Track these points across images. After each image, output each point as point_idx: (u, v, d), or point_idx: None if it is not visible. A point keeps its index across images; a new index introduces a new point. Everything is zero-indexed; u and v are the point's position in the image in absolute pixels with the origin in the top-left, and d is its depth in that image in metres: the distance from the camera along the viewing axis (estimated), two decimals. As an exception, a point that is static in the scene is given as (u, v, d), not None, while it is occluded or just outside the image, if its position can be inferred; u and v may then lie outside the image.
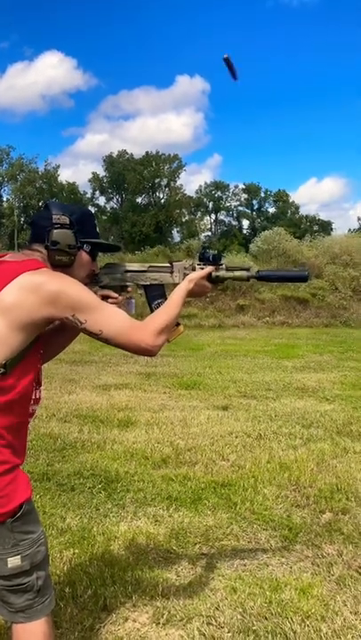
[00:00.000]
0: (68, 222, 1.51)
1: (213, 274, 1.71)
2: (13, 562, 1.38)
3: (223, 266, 1.74)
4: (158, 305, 1.67)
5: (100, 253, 1.67)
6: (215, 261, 1.73)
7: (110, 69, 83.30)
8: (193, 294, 1.67)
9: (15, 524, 1.39)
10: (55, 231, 1.49)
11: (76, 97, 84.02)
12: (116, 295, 1.67)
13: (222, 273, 1.73)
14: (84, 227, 1.57)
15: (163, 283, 1.73)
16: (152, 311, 1.64)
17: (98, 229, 1.68)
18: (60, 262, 1.50)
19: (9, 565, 1.38)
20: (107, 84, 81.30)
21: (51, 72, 66.16)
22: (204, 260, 1.74)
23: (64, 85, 78.71)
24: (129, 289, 1.73)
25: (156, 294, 1.72)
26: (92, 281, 1.64)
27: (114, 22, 75.11)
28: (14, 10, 71.44)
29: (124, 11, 74.10)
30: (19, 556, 1.39)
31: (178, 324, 1.62)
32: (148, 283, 1.73)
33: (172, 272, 1.73)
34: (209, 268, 1.71)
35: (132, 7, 75.11)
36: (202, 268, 1.71)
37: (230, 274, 1.75)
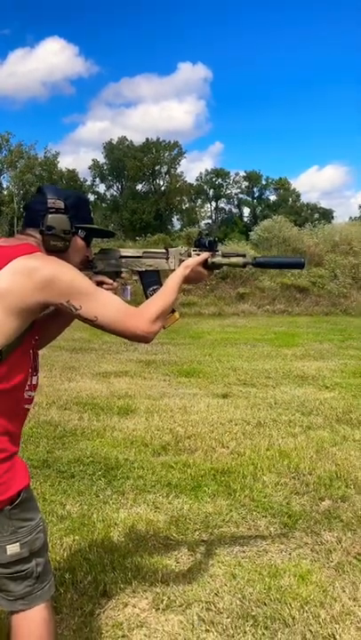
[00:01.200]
0: (62, 207, 1.48)
1: (209, 260, 1.70)
2: (12, 549, 1.38)
3: (219, 252, 1.72)
4: (154, 291, 1.65)
5: (98, 239, 1.65)
6: (211, 247, 1.71)
7: (112, 56, 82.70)
8: (189, 280, 1.66)
9: (13, 511, 1.38)
10: (50, 216, 1.46)
11: (77, 84, 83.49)
12: (110, 281, 1.65)
13: (218, 259, 1.72)
14: (79, 212, 1.54)
15: (158, 269, 1.71)
16: (147, 297, 1.62)
17: (93, 215, 1.66)
18: (55, 247, 1.48)
19: (8, 553, 1.37)
20: (108, 72, 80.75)
21: (52, 59, 65.68)
22: (200, 246, 1.73)
23: (65, 72, 78.13)
24: (123, 275, 1.71)
25: (151, 280, 1.70)
26: (86, 267, 1.62)
27: (116, 9, 74.18)
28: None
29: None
30: (17, 544, 1.38)
31: (173, 311, 1.60)
32: (143, 269, 1.71)
33: (167, 258, 1.71)
34: (205, 255, 1.69)
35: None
36: (198, 255, 1.69)
37: (226, 260, 1.74)
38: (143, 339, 1.46)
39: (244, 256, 1.76)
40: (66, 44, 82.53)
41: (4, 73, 64.15)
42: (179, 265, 1.67)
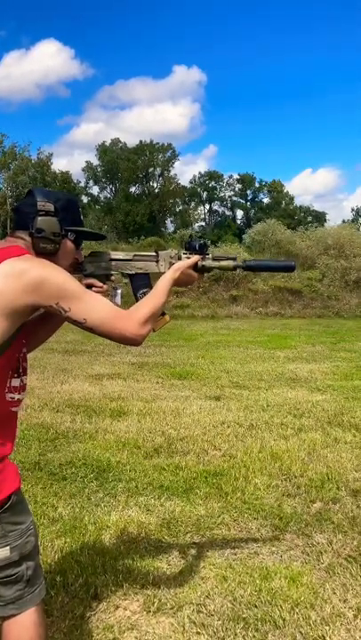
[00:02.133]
0: (52, 209, 1.48)
1: (200, 263, 1.70)
2: (2, 553, 1.37)
3: (209, 255, 1.73)
4: (143, 294, 1.65)
5: (92, 242, 1.65)
6: (201, 250, 1.72)
7: (107, 59, 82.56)
8: (179, 283, 1.66)
9: (3, 514, 1.38)
10: (40, 218, 1.46)
11: (72, 86, 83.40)
12: (100, 284, 1.65)
13: (208, 262, 1.73)
14: (69, 214, 1.54)
15: (148, 272, 1.71)
16: (137, 300, 1.62)
17: (84, 217, 1.65)
18: (45, 250, 1.47)
19: None
20: (103, 74, 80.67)
21: (48, 61, 65.55)
22: (190, 249, 1.73)
23: (60, 75, 78.05)
24: (113, 278, 1.71)
25: (141, 283, 1.70)
26: (76, 270, 1.62)
27: (112, 12, 74.22)
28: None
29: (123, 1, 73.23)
30: (7, 547, 1.38)
31: (163, 314, 1.61)
32: (133, 272, 1.71)
33: (157, 261, 1.72)
34: (195, 257, 1.70)
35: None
36: (188, 258, 1.70)
37: (216, 263, 1.75)
38: (132, 341, 1.46)
39: (234, 259, 1.77)
40: (62, 46, 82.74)
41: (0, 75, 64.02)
42: (169, 268, 1.67)
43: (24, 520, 1.44)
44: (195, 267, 1.69)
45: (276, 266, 2.00)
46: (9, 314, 1.34)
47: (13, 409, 1.46)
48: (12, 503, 1.40)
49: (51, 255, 1.48)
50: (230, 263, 1.76)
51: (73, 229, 1.55)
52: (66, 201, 1.55)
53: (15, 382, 1.45)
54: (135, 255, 1.73)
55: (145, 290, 1.67)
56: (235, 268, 1.77)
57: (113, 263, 1.71)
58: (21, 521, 1.43)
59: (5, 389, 1.42)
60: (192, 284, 1.73)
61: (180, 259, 1.71)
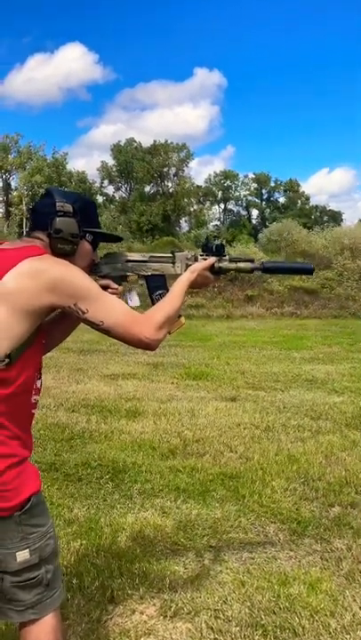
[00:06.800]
0: (71, 210, 1.46)
1: (216, 265, 1.67)
2: (22, 556, 1.35)
3: (226, 257, 1.70)
4: (160, 296, 1.63)
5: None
6: (218, 252, 1.69)
7: (129, 64, 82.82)
8: (195, 285, 1.63)
9: (23, 517, 1.36)
10: (58, 219, 1.44)
11: (93, 90, 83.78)
12: (115, 285, 1.63)
13: (225, 264, 1.69)
14: (87, 215, 1.52)
15: (164, 273, 1.69)
16: (153, 302, 1.60)
17: (99, 219, 1.64)
18: (63, 251, 1.46)
19: (18, 560, 1.35)
20: (124, 77, 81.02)
21: (71, 64, 65.88)
22: (207, 250, 1.70)
23: (82, 78, 78.32)
24: (129, 279, 1.69)
25: (157, 285, 1.67)
26: (91, 271, 1.60)
27: (138, 17, 74.18)
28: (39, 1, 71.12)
29: (148, 4, 73.48)
30: (27, 550, 1.36)
31: (179, 316, 1.58)
32: (149, 273, 1.68)
33: (173, 262, 1.69)
34: (212, 259, 1.66)
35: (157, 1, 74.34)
36: (205, 259, 1.67)
37: (234, 265, 1.71)
38: (148, 346, 1.44)
39: (252, 261, 1.74)
40: (87, 51, 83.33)
41: (22, 78, 64.78)
42: (185, 269, 1.64)
43: (44, 522, 1.42)
44: (211, 268, 1.67)
45: (295, 268, 1.96)
46: (27, 314, 1.32)
47: (33, 411, 1.46)
48: (32, 505, 1.38)
49: (68, 256, 1.47)
50: (248, 265, 1.73)
51: (90, 230, 1.54)
52: (84, 202, 1.54)
53: (38, 383, 1.45)
54: (151, 256, 1.70)
55: (161, 291, 1.65)
56: (252, 271, 1.74)
57: (129, 264, 1.69)
58: (41, 523, 1.41)
59: (33, 391, 1.43)
60: (208, 286, 1.71)
61: (196, 260, 1.68)
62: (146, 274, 1.69)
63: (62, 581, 1.50)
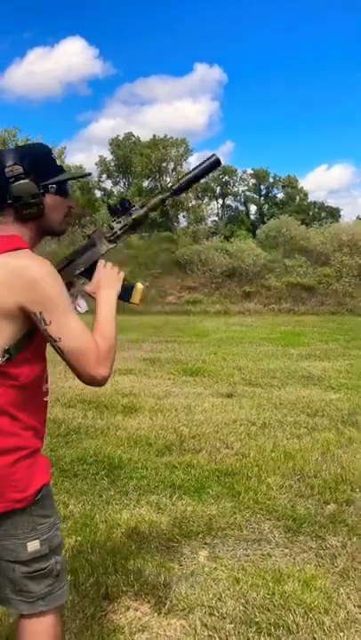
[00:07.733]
0: (22, 171, 1.35)
1: (133, 216, 1.61)
2: (33, 546, 1.36)
3: (136, 207, 1.64)
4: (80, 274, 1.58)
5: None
6: (125, 207, 1.63)
7: (129, 58, 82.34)
8: (110, 285, 1.54)
9: (34, 507, 1.37)
10: (12, 186, 1.34)
11: (93, 84, 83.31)
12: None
13: (138, 212, 1.62)
14: (42, 167, 1.40)
15: (95, 259, 1.60)
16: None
17: (57, 162, 1.49)
18: (30, 215, 1.37)
19: (28, 550, 1.36)
20: (124, 72, 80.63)
21: (71, 59, 65.56)
22: (115, 213, 1.63)
23: (83, 72, 78.10)
24: (74, 286, 1.58)
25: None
26: (71, 216, 1.51)
27: (134, 11, 73.68)
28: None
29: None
30: (37, 540, 1.37)
31: (133, 287, 1.56)
32: (82, 269, 1.59)
33: (95, 245, 1.61)
34: (94, 258, 1.59)
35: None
36: (118, 222, 1.60)
37: (145, 208, 1.64)
38: (95, 382, 1.39)
39: (160, 193, 1.70)
40: (87, 45, 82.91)
41: (22, 72, 64.44)
42: (107, 243, 1.59)
43: (52, 514, 1.44)
44: (114, 239, 1.60)
45: (202, 169, 1.84)
46: (5, 315, 1.28)
47: (45, 399, 1.45)
48: (42, 496, 1.39)
49: (39, 217, 1.39)
50: (157, 198, 1.68)
51: (51, 182, 1.42)
52: (33, 155, 1.40)
53: (46, 372, 1.44)
54: (74, 253, 1.61)
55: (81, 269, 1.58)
56: (164, 200, 1.69)
57: (61, 273, 1.49)
58: (50, 514, 1.42)
59: (44, 379, 1.43)
60: (118, 273, 1.57)
61: (111, 228, 1.61)
62: (80, 271, 1.60)
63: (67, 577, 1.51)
